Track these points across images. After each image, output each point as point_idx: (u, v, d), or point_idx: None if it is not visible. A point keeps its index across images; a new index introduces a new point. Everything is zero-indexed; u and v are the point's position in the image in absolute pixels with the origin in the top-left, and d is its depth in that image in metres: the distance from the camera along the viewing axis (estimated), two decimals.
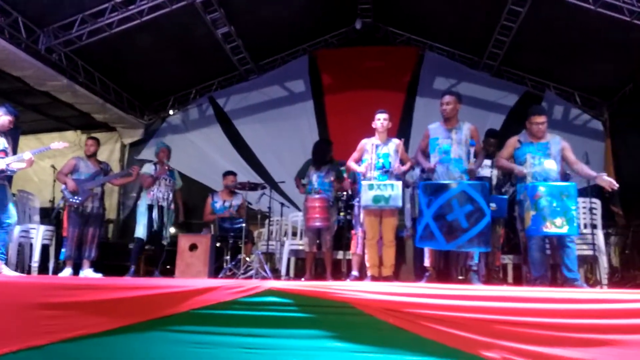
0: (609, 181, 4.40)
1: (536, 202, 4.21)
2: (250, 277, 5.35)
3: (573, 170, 4.60)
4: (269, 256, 6.96)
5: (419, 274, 5.20)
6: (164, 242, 5.89)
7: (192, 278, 5.02)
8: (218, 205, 6.48)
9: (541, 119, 4.62)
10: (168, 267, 6.18)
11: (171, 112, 9.52)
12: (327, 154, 5.83)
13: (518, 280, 5.51)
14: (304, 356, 3.22)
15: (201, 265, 5.37)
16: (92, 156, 5.87)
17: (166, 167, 5.92)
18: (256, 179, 7.99)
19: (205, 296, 3.44)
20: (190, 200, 8.78)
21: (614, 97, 8.29)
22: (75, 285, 3.80)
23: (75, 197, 5.50)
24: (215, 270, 5.64)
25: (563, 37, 7.52)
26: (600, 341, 2.72)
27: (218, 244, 5.92)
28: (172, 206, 5.98)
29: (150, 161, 6.37)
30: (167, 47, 8.03)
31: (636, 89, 7.72)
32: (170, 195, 5.94)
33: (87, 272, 5.53)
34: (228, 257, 5.77)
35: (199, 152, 9.10)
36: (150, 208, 5.79)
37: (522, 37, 7.77)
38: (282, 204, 6.63)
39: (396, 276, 5.21)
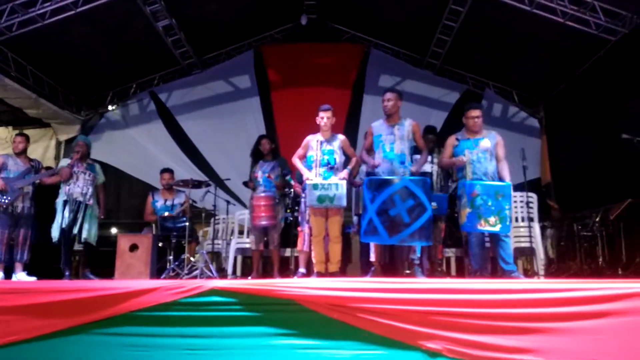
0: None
1: (472, 200, 4.38)
2: (195, 277, 5.22)
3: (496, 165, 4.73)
4: (215, 255, 6.83)
5: (365, 269, 5.25)
6: (89, 241, 5.54)
7: (133, 279, 4.85)
8: (159, 204, 6.27)
9: (476, 112, 4.77)
10: (108, 269, 5.91)
11: (110, 107, 9.15)
12: (261, 147, 5.81)
13: (461, 273, 5.66)
14: (249, 355, 3.17)
15: (142, 266, 5.19)
16: (21, 153, 5.53)
17: (78, 154, 5.51)
18: (200, 176, 7.81)
19: (144, 298, 3.32)
20: (131, 198, 8.50)
21: (550, 96, 8.67)
22: (6, 289, 3.57)
23: (4, 197, 5.17)
24: (158, 271, 5.45)
25: (501, 37, 7.80)
26: (536, 329, 2.81)
27: (160, 244, 5.72)
28: (91, 201, 5.54)
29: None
30: (105, 39, 7.72)
31: (570, 88, 8.10)
32: (90, 190, 5.60)
33: (20, 276, 5.21)
34: (171, 258, 5.60)
35: (140, 148, 8.81)
36: (66, 204, 5.43)
37: (463, 36, 7.99)
38: (228, 202, 6.51)
39: (343, 272, 5.24)
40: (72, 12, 6.61)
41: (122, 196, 8.91)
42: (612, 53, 6.86)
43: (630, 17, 6.40)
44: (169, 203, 6.26)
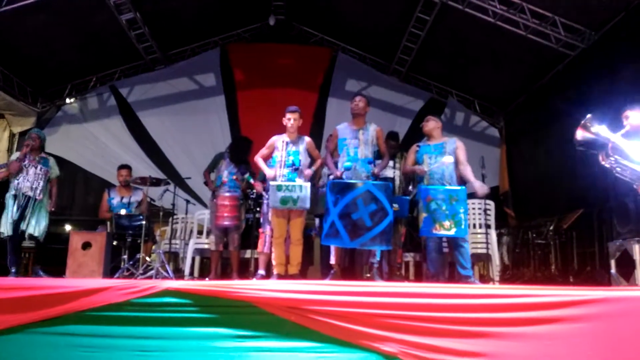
0: (480, 188, 4.69)
1: (428, 205, 4.48)
2: (150, 277, 5.09)
3: (459, 170, 4.84)
4: (173, 256, 6.69)
5: (326, 272, 5.23)
6: (36, 236, 5.34)
7: (85, 278, 4.68)
8: (115, 201, 6.10)
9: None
10: (59, 267, 5.69)
11: (68, 100, 8.85)
12: (246, 154, 5.72)
13: (419, 277, 5.72)
14: (203, 357, 3.10)
15: (95, 265, 5.01)
16: None
17: (27, 148, 5.32)
18: (160, 174, 7.64)
19: (95, 297, 3.21)
20: (87, 195, 8.27)
21: (510, 107, 8.90)
22: None
23: None
24: (112, 270, 5.28)
25: (465, 47, 7.96)
26: (489, 334, 2.85)
27: (115, 243, 5.55)
28: (40, 196, 5.35)
29: None
30: (66, 30, 7.47)
31: (529, 100, 8.33)
32: (41, 184, 5.39)
33: None
34: (126, 257, 5.43)
35: (98, 144, 8.57)
36: (15, 198, 5.25)
37: (429, 45, 8.12)
38: (188, 201, 6.39)
39: (303, 274, 5.21)
40: (31, 0, 6.36)
41: (77, 192, 8.63)
42: (571, 67, 7.10)
43: (589, 33, 6.64)
44: (125, 200, 6.10)
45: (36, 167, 5.38)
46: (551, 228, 6.49)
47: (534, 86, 8.03)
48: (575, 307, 2.84)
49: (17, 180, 5.28)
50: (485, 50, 7.80)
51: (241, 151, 5.74)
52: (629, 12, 5.92)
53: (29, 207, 5.26)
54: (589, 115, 4.24)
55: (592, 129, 4.20)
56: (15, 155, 5.42)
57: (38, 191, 5.33)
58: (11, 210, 5.19)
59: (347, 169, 4.73)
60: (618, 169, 4.15)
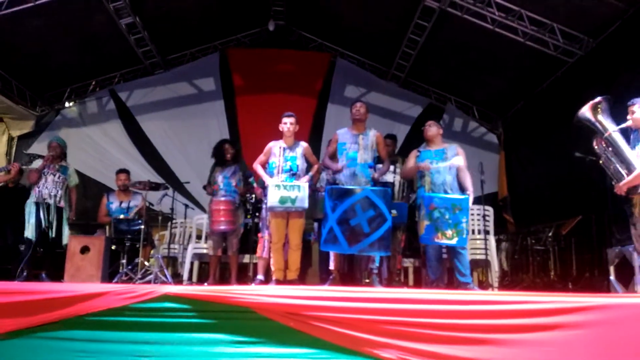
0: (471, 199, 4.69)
1: (430, 213, 4.48)
2: (149, 282, 5.06)
3: (458, 176, 4.85)
4: (171, 260, 6.67)
5: (324, 277, 5.23)
6: (62, 242, 5.41)
7: (83, 283, 4.67)
8: (114, 206, 6.09)
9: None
10: (58, 271, 5.68)
11: (67, 104, 8.85)
12: (224, 153, 5.72)
13: (418, 283, 5.72)
14: None
15: (94, 269, 5.00)
16: None
17: (48, 161, 5.46)
18: (158, 179, 7.64)
19: (93, 302, 3.21)
20: (86, 199, 8.24)
21: (508, 113, 8.91)
22: None
23: None
24: (110, 274, 5.27)
25: (464, 54, 7.98)
26: (488, 340, 2.85)
27: (113, 247, 5.54)
28: (62, 203, 5.49)
29: (42, 156, 5.83)
30: (65, 34, 7.47)
31: (527, 106, 8.36)
32: (60, 192, 5.47)
33: None
34: (124, 261, 5.42)
35: (97, 148, 8.56)
36: (37, 206, 5.33)
37: (428, 50, 8.13)
38: (187, 206, 6.37)
39: (302, 280, 5.20)
40: (31, 4, 6.38)
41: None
42: (569, 74, 7.12)
43: (586, 40, 6.67)
44: (124, 205, 6.10)
45: (54, 175, 5.51)
46: (550, 234, 6.49)
47: (533, 92, 8.05)
48: (574, 314, 2.85)
49: (38, 187, 5.41)
50: (484, 57, 7.82)
51: (218, 151, 5.76)
52: (626, 20, 5.95)
53: (51, 214, 5.37)
54: (600, 98, 4.15)
55: (597, 114, 4.13)
56: (38, 162, 5.54)
57: (58, 198, 5.45)
58: (34, 215, 5.30)
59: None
60: (604, 162, 4.12)
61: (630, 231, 4.91)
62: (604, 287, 5.16)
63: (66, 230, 5.52)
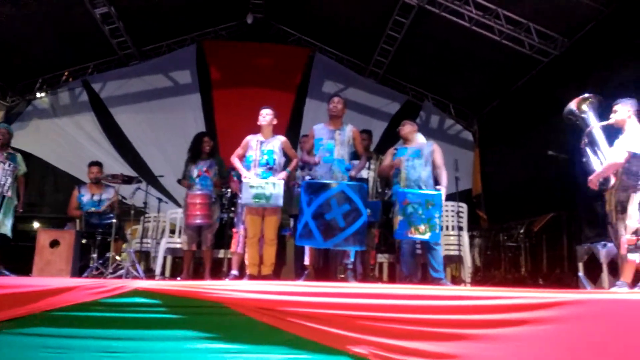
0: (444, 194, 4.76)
1: (404, 208, 4.50)
2: (120, 277, 4.98)
3: (435, 173, 4.91)
4: (144, 255, 6.57)
5: (299, 272, 5.22)
6: (7, 234, 5.22)
7: (52, 277, 4.56)
8: (85, 198, 5.97)
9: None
10: (26, 265, 5.54)
11: (38, 94, 8.63)
12: (203, 145, 5.65)
13: (392, 278, 5.75)
14: (173, 358, 3.04)
15: (63, 264, 4.89)
16: None
17: None
18: (131, 172, 7.52)
19: (62, 296, 3.13)
20: (57, 192, 8.09)
21: (484, 111, 9.02)
22: None
23: None
24: (80, 269, 5.16)
25: (441, 51, 8.05)
26: (460, 335, 2.87)
27: (84, 241, 5.42)
28: (9, 193, 5.23)
29: None
30: (37, 23, 7.27)
31: (503, 104, 8.47)
32: (9, 181, 5.26)
33: None
34: (95, 256, 5.32)
35: (68, 140, 8.38)
36: None
37: (406, 47, 8.18)
38: (160, 200, 6.28)
39: (277, 275, 5.18)
40: None
41: (46, 189, 8.43)
42: (543, 73, 7.24)
43: (561, 40, 6.78)
44: (96, 198, 5.98)
45: (4, 164, 5.25)
46: (522, 231, 6.61)
47: (508, 91, 8.16)
48: (543, 310, 2.88)
49: None
50: (461, 55, 7.89)
51: (194, 145, 5.69)
52: (600, 21, 6.07)
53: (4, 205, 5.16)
54: (589, 95, 4.23)
55: (584, 108, 4.20)
56: None
57: (6, 187, 5.20)
58: None
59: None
60: (585, 160, 4.19)
61: (598, 228, 5.03)
62: (573, 283, 5.27)
63: (10, 222, 5.29)
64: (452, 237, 5.73)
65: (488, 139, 8.98)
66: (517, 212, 7.27)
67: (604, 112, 4.23)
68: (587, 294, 3.49)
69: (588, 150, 4.14)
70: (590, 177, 4.03)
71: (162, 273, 5.98)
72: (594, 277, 5.05)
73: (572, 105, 4.26)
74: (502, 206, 8.17)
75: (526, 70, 7.52)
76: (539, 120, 7.23)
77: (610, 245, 4.79)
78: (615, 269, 4.86)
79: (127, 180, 5.66)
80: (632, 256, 3.77)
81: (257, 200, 4.55)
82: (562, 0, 6.16)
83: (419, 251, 4.93)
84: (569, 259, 5.82)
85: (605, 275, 4.82)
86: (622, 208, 3.87)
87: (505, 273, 6.62)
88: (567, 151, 5.53)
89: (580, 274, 5.16)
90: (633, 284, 3.84)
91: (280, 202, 4.59)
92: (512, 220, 7.03)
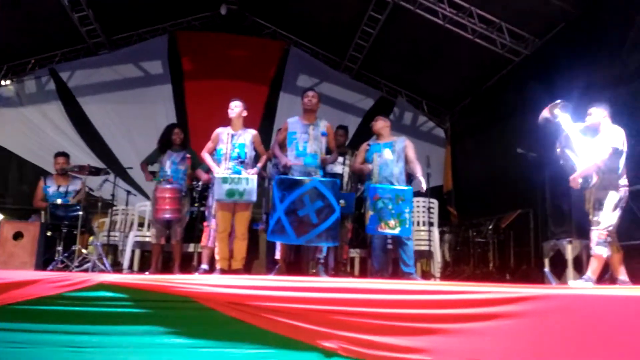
0: (420, 184, 4.80)
1: (374, 203, 4.54)
2: (86, 270, 4.88)
3: (408, 167, 4.95)
4: (111, 248, 6.44)
5: (271, 267, 5.20)
6: None
7: (15, 270, 4.43)
8: (51, 190, 5.81)
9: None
10: None
11: (3, 82, 8.33)
12: (174, 137, 5.54)
13: (364, 273, 5.77)
14: (139, 354, 2.99)
15: (27, 256, 4.77)
16: None
17: None
18: (100, 163, 7.35)
19: (24, 290, 3.03)
20: (22, 183, 7.87)
21: (456, 108, 9.13)
22: None
23: None
24: (45, 262, 5.03)
25: (415, 48, 8.10)
26: (428, 330, 2.90)
27: (49, 233, 5.27)
28: None
29: None
30: (3, 8, 7.00)
31: (474, 102, 8.58)
32: None
33: None
34: (60, 248, 5.18)
35: (34, 129, 8.12)
36: None
37: (380, 43, 8.20)
38: (129, 192, 6.16)
39: (248, 269, 5.15)
40: None
41: (10, 180, 8.16)
42: (514, 72, 7.36)
43: (532, 40, 6.90)
44: (62, 189, 5.83)
45: None
46: (490, 227, 6.72)
47: (480, 89, 8.27)
48: (510, 305, 2.93)
49: None
50: (435, 52, 7.96)
51: (164, 136, 5.59)
52: (570, 22, 6.19)
53: None
54: (559, 101, 4.37)
55: (556, 114, 4.33)
56: None
57: None
58: None
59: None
60: (563, 160, 4.30)
61: (564, 225, 5.16)
62: (539, 278, 5.39)
63: None
64: (422, 233, 5.79)
65: (459, 136, 9.10)
66: (486, 209, 7.40)
67: (573, 113, 4.36)
68: (552, 289, 3.57)
69: (567, 151, 4.25)
70: (573, 176, 4.14)
71: (130, 267, 5.88)
72: (559, 272, 5.17)
73: (546, 112, 4.39)
74: (472, 203, 8.30)
75: (498, 69, 7.63)
76: (509, 119, 7.36)
77: (578, 241, 4.94)
78: (580, 265, 5.01)
79: (95, 171, 5.53)
80: (599, 250, 3.89)
81: (230, 196, 4.50)
82: (534, 1, 6.26)
83: (390, 246, 4.97)
84: (535, 255, 5.95)
85: (570, 271, 4.94)
86: (600, 205, 3.99)
87: (474, 268, 6.72)
88: (536, 150, 5.66)
89: (546, 269, 5.29)
90: (599, 279, 3.95)
91: (254, 197, 4.55)
92: (481, 217, 7.14)
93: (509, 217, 6.53)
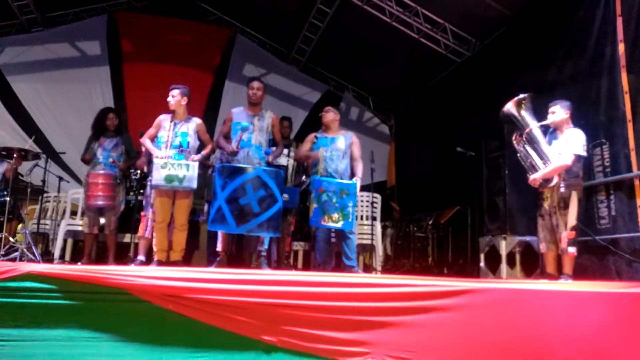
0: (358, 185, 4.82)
1: (319, 196, 4.52)
2: (14, 259, 4.60)
3: (351, 164, 4.96)
4: (42, 237, 6.11)
5: (212, 259, 5.07)
6: None
7: None
8: None
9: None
10: None
11: None
12: (107, 122, 5.27)
13: (307, 266, 5.78)
14: (68, 347, 2.84)
15: None
16: None
17: None
18: (31, 146, 6.92)
19: None
20: None
21: (400, 106, 9.29)
22: None
23: None
24: None
25: (362, 44, 8.16)
26: (369, 323, 2.93)
27: None
28: None
29: None
30: None
31: (418, 101, 8.76)
32: None
33: None
34: None
35: None
36: None
37: (328, 37, 8.21)
38: (61, 178, 5.84)
39: (187, 262, 5.01)
40: None
41: None
42: (456, 73, 7.56)
43: (474, 43, 7.12)
44: None
45: None
46: (430, 222, 6.90)
47: (423, 88, 8.45)
48: (447, 298, 3.01)
49: None
50: (381, 49, 8.04)
51: (97, 121, 5.30)
52: (510, 26, 6.43)
53: None
54: (527, 95, 4.39)
55: (520, 110, 4.38)
56: None
57: None
58: None
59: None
60: (521, 155, 4.39)
61: (499, 222, 5.36)
62: (475, 272, 5.58)
63: None
64: (365, 227, 5.85)
65: (403, 133, 9.27)
66: (426, 205, 7.59)
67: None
68: (487, 283, 3.70)
69: (527, 148, 4.34)
70: (534, 176, 4.25)
71: (62, 257, 5.59)
72: (493, 267, 5.38)
73: (510, 107, 4.42)
74: (413, 198, 8.50)
75: (440, 69, 7.81)
76: (449, 118, 7.57)
77: (512, 237, 5.14)
78: (513, 260, 5.23)
79: (24, 155, 5.19)
80: (572, 249, 4.05)
81: (169, 182, 4.33)
82: (474, 4, 6.42)
83: (333, 239, 4.98)
84: (472, 250, 6.16)
85: (504, 265, 5.14)
86: (565, 204, 4.14)
87: (413, 262, 6.89)
88: (474, 149, 5.85)
89: (482, 264, 5.48)
90: (531, 273, 4.12)
91: (195, 184, 4.41)
92: (422, 212, 7.31)
93: (448, 213, 6.73)
